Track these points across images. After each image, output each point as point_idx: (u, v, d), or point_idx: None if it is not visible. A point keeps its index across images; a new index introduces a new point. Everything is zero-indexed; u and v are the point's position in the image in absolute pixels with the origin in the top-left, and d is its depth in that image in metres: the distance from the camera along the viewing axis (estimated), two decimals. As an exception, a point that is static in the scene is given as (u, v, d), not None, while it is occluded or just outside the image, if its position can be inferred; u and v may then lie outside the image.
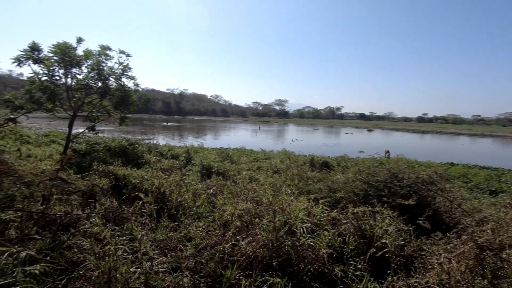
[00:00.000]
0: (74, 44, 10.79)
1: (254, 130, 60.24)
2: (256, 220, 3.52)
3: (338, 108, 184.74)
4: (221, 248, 3.34)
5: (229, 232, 3.60)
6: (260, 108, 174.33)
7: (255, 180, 6.94)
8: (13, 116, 2.72)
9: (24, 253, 2.06)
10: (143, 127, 51.18)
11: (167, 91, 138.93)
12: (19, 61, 10.42)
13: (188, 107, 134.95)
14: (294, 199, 4.29)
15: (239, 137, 43.29)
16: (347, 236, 3.49)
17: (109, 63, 11.78)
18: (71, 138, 11.77)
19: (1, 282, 1.67)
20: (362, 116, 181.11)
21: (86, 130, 12.00)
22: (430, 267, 2.77)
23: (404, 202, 4.28)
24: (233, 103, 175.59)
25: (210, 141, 32.62)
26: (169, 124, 65.83)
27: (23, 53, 10.38)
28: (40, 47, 10.34)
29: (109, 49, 11.86)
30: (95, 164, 6.89)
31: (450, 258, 2.56)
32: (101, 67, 11.44)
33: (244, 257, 3.05)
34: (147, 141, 16.29)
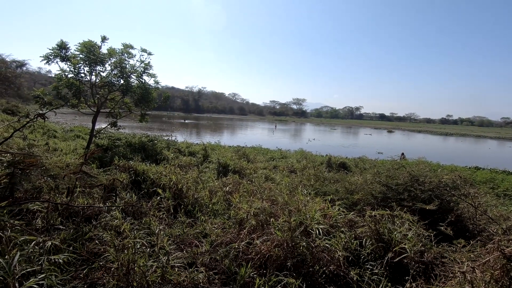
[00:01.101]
0: (98, 43, 11.18)
1: (271, 129, 60.04)
2: (272, 219, 3.51)
3: (357, 108, 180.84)
4: (236, 246, 3.36)
5: (244, 231, 3.61)
6: (278, 107, 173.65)
7: (271, 179, 6.93)
8: (41, 112, 2.88)
9: (49, 243, 2.16)
10: (162, 123, 52.25)
11: (186, 89, 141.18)
12: (47, 58, 10.93)
13: (206, 105, 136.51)
14: (310, 200, 4.25)
15: (255, 135, 43.29)
16: (364, 239, 3.42)
17: (131, 61, 12.14)
18: (94, 133, 12.22)
19: (28, 269, 1.76)
20: (382, 117, 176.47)
21: (108, 126, 12.45)
22: (451, 275, 2.66)
23: (425, 207, 4.14)
24: (251, 101, 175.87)
25: (226, 139, 32.82)
26: (186, 121, 66.87)
27: (51, 51, 10.87)
28: (68, 46, 10.78)
29: (132, 47, 12.19)
30: (116, 159, 7.10)
31: (474, 267, 2.44)
32: (123, 65, 11.80)
33: (258, 256, 3.05)
34: (165, 138, 16.66)
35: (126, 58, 11.96)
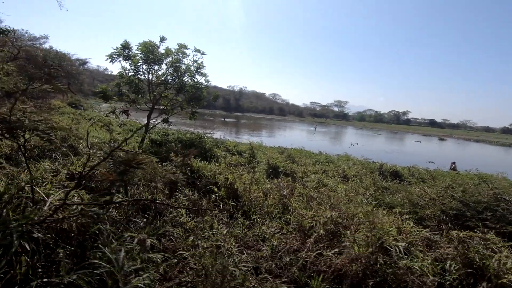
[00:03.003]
0: (157, 43, 11.78)
1: (310, 131, 58.99)
2: (347, 231, 3.30)
3: (405, 113, 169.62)
4: (304, 255, 3.22)
5: (311, 239, 3.45)
6: (318, 109, 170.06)
7: (325, 185, 6.68)
8: (126, 108, 3.04)
9: (149, 241, 2.22)
10: (204, 121, 53.92)
11: (228, 88, 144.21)
12: (112, 58, 11.78)
13: (247, 104, 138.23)
14: (379, 212, 3.95)
15: (295, 136, 42.74)
16: (449, 263, 3.05)
17: (185, 61, 12.61)
18: (149, 128, 12.91)
19: (134, 267, 1.80)
20: (432, 123, 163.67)
21: (161, 122, 13.07)
22: None
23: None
24: (291, 102, 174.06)
25: (266, 139, 32.77)
26: (227, 120, 68.42)
27: (115, 50, 11.69)
28: (130, 45, 11.50)
29: (186, 47, 12.66)
30: (173, 155, 7.34)
31: None
32: (178, 64, 12.30)
33: (332, 269, 2.87)
34: (208, 135, 17.11)
35: (181, 58, 12.47)
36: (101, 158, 2.19)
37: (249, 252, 3.78)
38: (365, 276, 2.69)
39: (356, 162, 12.92)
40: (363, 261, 2.76)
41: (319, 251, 3.21)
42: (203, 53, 12.48)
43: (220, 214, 4.84)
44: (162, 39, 11.86)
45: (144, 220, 3.45)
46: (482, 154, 42.84)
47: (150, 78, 12.31)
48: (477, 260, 2.95)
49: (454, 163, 22.57)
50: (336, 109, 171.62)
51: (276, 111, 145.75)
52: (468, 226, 4.40)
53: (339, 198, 5.04)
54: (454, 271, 2.98)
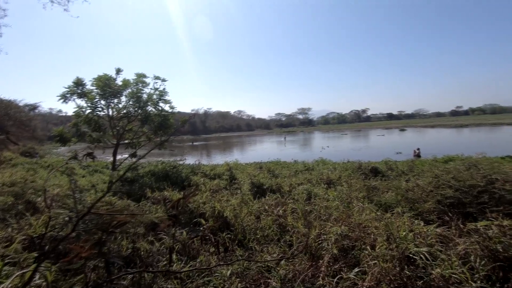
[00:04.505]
0: (113, 75, 11.12)
1: (280, 142, 59.69)
2: (362, 244, 2.99)
3: (364, 111, 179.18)
4: (321, 282, 2.85)
5: (323, 261, 3.09)
6: (284, 119, 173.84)
7: (316, 195, 6.40)
8: (90, 151, 2.56)
9: None
10: (173, 148, 52.20)
11: (192, 112, 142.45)
12: (64, 97, 10.88)
13: (213, 125, 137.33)
14: (392, 218, 3.71)
15: (267, 150, 42.76)
16: (474, 259, 2.84)
17: (146, 90, 12.00)
18: (112, 165, 11.95)
19: None
20: (390, 116, 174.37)
21: (129, 157, 12.17)
22: None
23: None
24: (256, 116, 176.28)
25: (239, 156, 32.36)
26: (195, 143, 67.11)
27: (67, 89, 10.82)
28: (84, 82, 10.71)
29: (145, 76, 12.09)
30: (149, 191, 6.69)
31: None
32: (139, 94, 11.66)
33: (358, 294, 2.53)
34: (180, 162, 16.32)
35: (141, 87, 11.85)
36: (66, 218, 1.69)
37: (256, 289, 3.34)
38: (399, 296, 2.39)
39: (335, 165, 12.92)
40: (391, 278, 2.45)
41: (338, 275, 2.86)
42: (163, 80, 11.99)
43: (214, 249, 4.34)
44: (118, 71, 11.23)
45: (130, 277, 2.89)
46: (441, 138, 45.97)
47: (111, 113, 11.52)
48: (501, 250, 2.78)
49: (418, 149, 23.60)
50: (300, 116, 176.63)
51: (244, 127, 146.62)
52: (468, 213, 4.33)
53: (338, 207, 4.77)
54: (481, 268, 2.78)
